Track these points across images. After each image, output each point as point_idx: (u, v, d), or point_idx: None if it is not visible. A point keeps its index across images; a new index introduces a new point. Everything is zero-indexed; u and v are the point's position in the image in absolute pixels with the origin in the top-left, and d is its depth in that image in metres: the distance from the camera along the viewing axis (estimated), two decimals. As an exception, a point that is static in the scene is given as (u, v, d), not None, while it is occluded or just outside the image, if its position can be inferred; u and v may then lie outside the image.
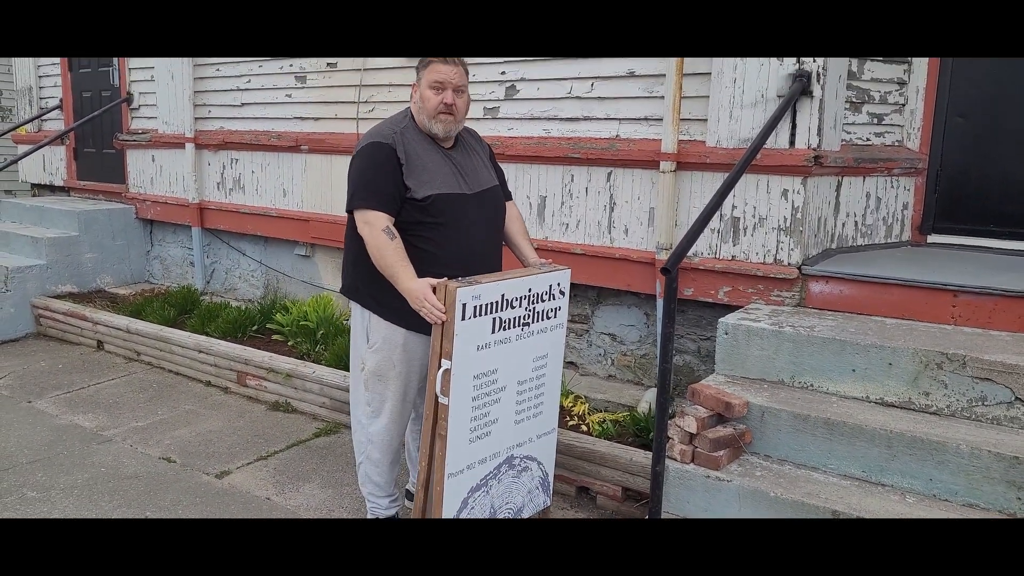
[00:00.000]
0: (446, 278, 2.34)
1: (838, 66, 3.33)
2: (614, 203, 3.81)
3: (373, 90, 4.70)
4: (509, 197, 2.88)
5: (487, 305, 2.37)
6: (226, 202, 5.69)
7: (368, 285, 2.60)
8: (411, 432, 2.97)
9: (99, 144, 6.79)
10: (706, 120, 3.48)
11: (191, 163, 5.75)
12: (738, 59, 3.33)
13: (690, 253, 3.58)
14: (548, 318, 2.64)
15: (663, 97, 3.55)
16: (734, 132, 3.39)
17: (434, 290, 2.31)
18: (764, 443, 2.76)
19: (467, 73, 2.62)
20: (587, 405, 3.58)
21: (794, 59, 3.21)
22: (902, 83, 3.69)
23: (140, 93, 6.23)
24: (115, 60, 6.39)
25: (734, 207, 3.45)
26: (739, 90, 3.36)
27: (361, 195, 2.49)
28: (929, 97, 3.68)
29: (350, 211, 2.54)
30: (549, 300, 2.62)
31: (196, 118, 5.73)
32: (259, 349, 4.51)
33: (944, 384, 2.68)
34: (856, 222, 3.65)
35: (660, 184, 3.56)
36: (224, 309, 5.09)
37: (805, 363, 2.93)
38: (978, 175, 3.64)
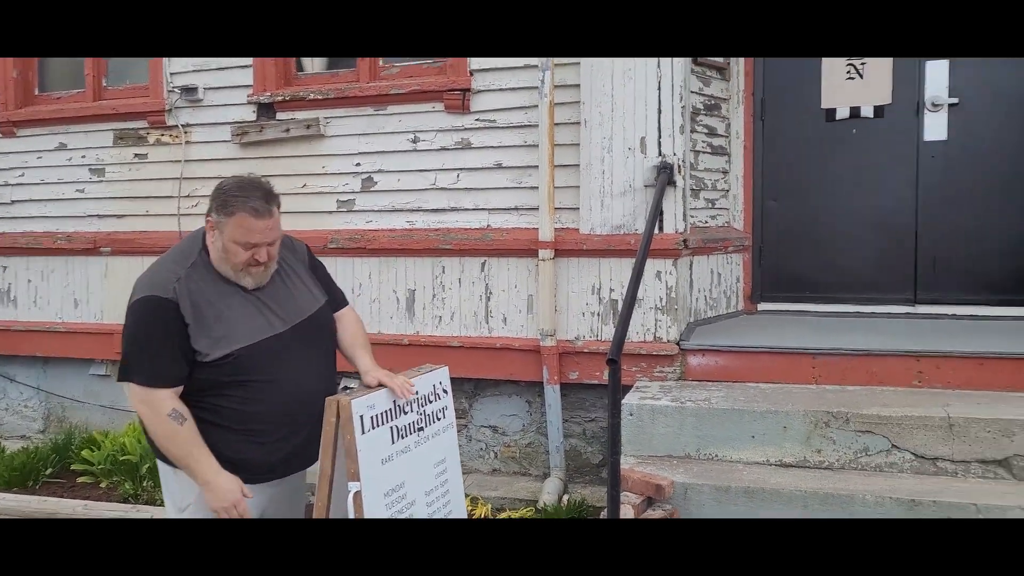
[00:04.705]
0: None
1: (687, 158, 3.66)
2: (490, 292, 3.78)
3: (197, 183, 4.25)
4: (343, 304, 2.48)
5: (382, 414, 2.28)
6: (-10, 318, 4.73)
7: None
8: None
9: None
10: (577, 209, 3.62)
11: (-61, 273, 4.72)
12: (605, 152, 3.53)
13: (572, 337, 3.66)
14: (439, 420, 2.57)
15: (536, 188, 3.64)
16: (607, 219, 3.56)
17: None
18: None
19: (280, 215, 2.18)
20: (488, 506, 3.43)
21: (657, 153, 3.48)
22: (725, 172, 4.16)
23: None
24: None
25: (611, 290, 3.59)
26: (608, 181, 3.55)
27: (136, 368, 2.06)
28: (747, 183, 4.17)
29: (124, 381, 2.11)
30: (436, 401, 2.56)
31: (-54, 218, 4.75)
32: (63, 498, 3.74)
33: (833, 440, 2.96)
34: (705, 296, 3.98)
35: (539, 272, 3.61)
36: (-2, 453, 4.16)
37: (708, 435, 3.08)
38: (793, 250, 4.16)
